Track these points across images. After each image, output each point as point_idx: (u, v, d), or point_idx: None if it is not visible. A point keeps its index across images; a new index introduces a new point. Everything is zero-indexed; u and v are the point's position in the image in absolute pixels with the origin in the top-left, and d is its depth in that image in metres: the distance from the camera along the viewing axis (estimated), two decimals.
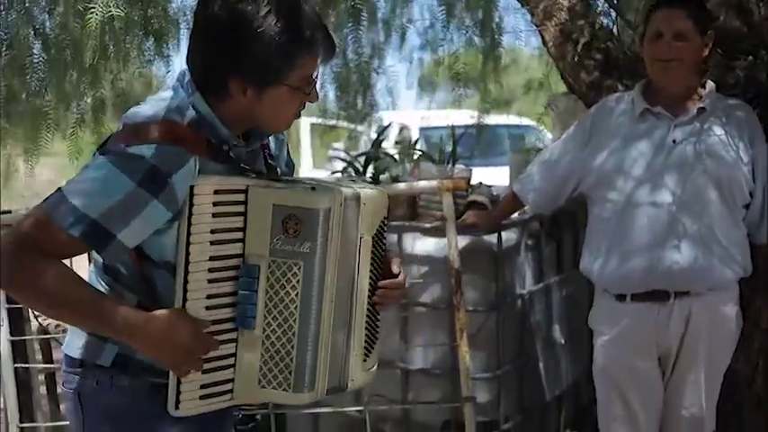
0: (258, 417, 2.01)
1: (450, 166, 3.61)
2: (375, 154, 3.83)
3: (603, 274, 2.93)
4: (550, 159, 3.13)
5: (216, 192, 1.69)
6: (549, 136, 6.66)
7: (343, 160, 4.41)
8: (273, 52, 1.66)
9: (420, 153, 3.91)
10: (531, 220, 3.58)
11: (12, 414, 3.54)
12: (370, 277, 1.93)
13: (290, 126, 1.85)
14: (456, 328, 3.27)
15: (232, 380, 1.75)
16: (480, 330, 3.39)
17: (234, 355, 1.75)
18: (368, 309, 1.94)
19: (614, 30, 3.50)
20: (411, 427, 3.54)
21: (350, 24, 4.29)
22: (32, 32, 4.09)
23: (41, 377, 3.90)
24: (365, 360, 1.97)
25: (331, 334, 1.79)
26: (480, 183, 3.71)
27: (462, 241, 3.33)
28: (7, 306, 3.52)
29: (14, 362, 3.54)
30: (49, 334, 3.74)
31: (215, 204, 1.69)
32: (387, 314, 3.31)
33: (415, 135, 7.47)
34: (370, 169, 3.74)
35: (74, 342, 1.84)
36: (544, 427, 3.77)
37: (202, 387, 1.72)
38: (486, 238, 3.41)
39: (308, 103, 1.79)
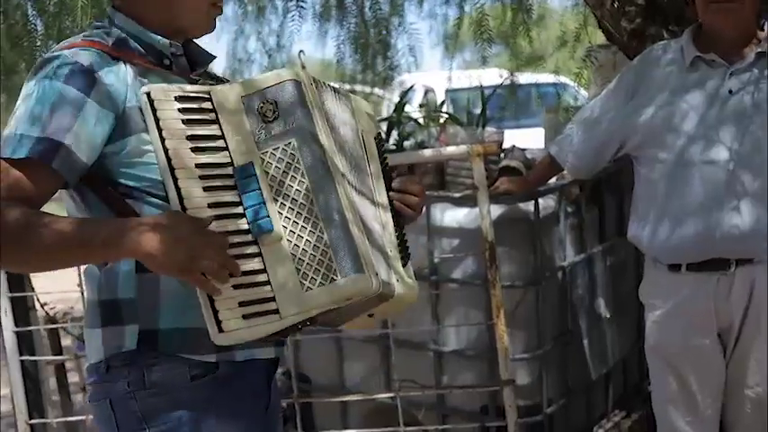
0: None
1: (479, 129, 3.31)
2: (398, 118, 3.53)
3: (654, 243, 2.65)
4: (590, 118, 2.84)
5: (178, 99, 1.56)
6: (586, 94, 6.32)
7: None
8: None
9: (447, 116, 3.61)
10: (570, 185, 3.27)
11: (20, 409, 3.32)
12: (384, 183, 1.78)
13: (211, 24, 1.72)
14: (492, 306, 3.00)
15: (273, 298, 1.52)
16: (518, 307, 3.11)
17: (264, 270, 1.52)
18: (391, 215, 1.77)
19: None
20: (446, 412, 3.28)
21: None
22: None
23: (50, 369, 3.68)
24: (404, 265, 1.74)
25: (356, 202, 1.62)
26: (513, 146, 3.41)
27: (496, 211, 3.04)
28: (10, 295, 3.29)
29: (20, 354, 3.32)
30: (57, 323, 3.51)
31: (182, 111, 1.56)
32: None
33: (441, 98, 7.14)
34: (394, 135, 3.46)
35: (92, 344, 1.67)
36: (590, 408, 3.49)
37: (241, 305, 1.50)
38: (522, 206, 3.12)
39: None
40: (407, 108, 4.53)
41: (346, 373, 3.46)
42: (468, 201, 3.10)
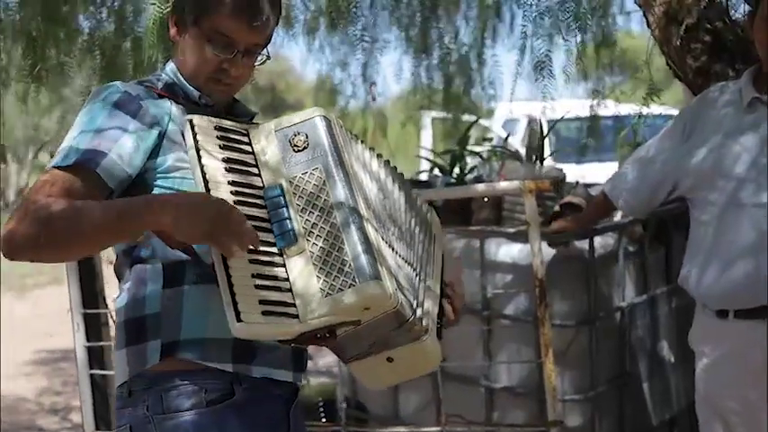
0: None
1: (538, 165, 3.28)
2: (460, 152, 3.53)
3: (701, 287, 2.56)
4: (645, 157, 2.78)
5: (217, 128, 1.69)
6: None
7: (427, 159, 4.15)
8: None
9: (506, 151, 3.58)
10: (631, 224, 3.20)
11: (88, 422, 3.47)
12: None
13: (221, 94, 1.80)
14: (541, 344, 2.96)
15: (294, 304, 1.57)
16: (570, 347, 3.06)
17: (287, 279, 1.59)
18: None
19: (726, 7, 3.07)
20: None
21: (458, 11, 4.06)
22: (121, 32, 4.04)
23: None
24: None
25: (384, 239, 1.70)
26: (577, 182, 3.36)
27: (550, 248, 3.01)
28: (84, 311, 3.46)
29: (90, 368, 3.47)
30: None
31: (220, 138, 1.68)
32: (468, 328, 3.08)
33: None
34: (456, 169, 3.46)
35: (119, 368, 1.74)
36: None
37: (262, 303, 1.54)
38: (578, 244, 3.08)
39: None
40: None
41: (401, 404, 3.47)
42: (523, 236, 3.07)
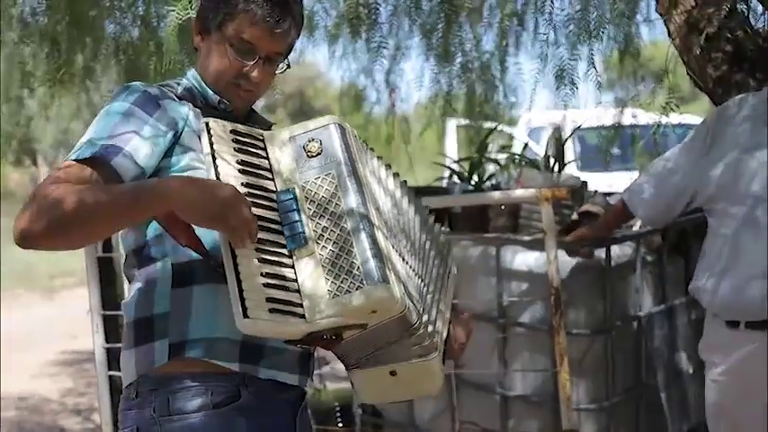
0: None
1: (556, 173, 3.27)
2: (479, 159, 3.53)
3: (714, 298, 2.54)
4: (665, 168, 2.75)
5: (233, 131, 1.70)
6: None
7: (445, 166, 4.14)
8: None
9: (524, 159, 3.57)
10: (650, 234, 3.18)
11: (106, 421, 3.51)
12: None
13: (240, 100, 1.82)
14: (556, 353, 2.95)
15: (301, 304, 1.59)
16: (586, 356, 3.04)
17: (295, 279, 1.61)
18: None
19: (747, 17, 3.04)
20: None
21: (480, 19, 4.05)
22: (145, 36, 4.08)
23: None
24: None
25: (397, 250, 1.72)
26: (596, 191, 3.35)
27: (567, 256, 3.00)
28: (103, 312, 3.50)
29: (109, 369, 3.50)
30: None
31: (235, 141, 1.69)
32: (484, 335, 3.07)
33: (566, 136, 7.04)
34: (475, 177, 3.45)
35: (126, 368, 1.75)
36: None
37: (269, 301, 1.56)
38: (595, 252, 3.05)
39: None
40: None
41: (416, 410, 3.46)
42: (539, 244, 3.06)
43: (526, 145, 4.46)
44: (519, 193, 3.01)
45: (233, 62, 1.76)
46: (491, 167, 3.75)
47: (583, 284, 3.06)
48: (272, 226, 1.63)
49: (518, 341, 3.16)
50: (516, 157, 3.68)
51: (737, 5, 3.05)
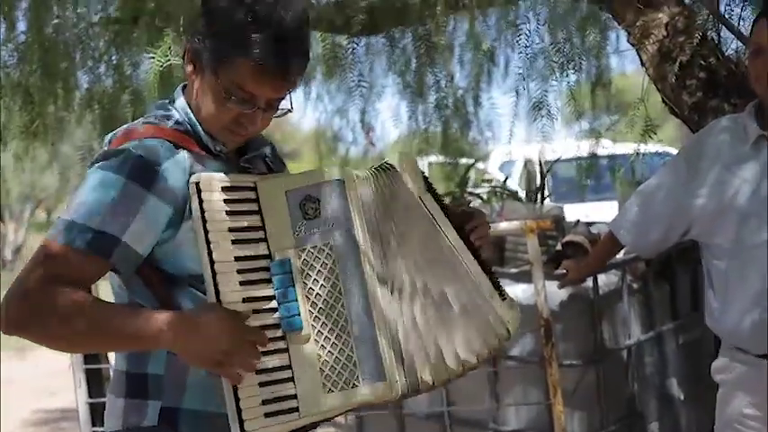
0: None
1: (538, 204, 3.28)
2: (460, 193, 3.54)
3: (725, 329, 2.51)
4: (651, 194, 2.66)
5: (224, 189, 1.58)
6: None
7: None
8: (217, 29, 1.61)
9: (506, 192, 3.59)
10: (634, 261, 3.19)
11: None
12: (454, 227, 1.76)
13: (236, 143, 1.70)
14: (549, 385, 2.94)
15: (295, 396, 1.57)
16: (578, 387, 3.03)
17: (289, 366, 1.57)
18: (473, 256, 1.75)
19: (719, 44, 3.09)
20: None
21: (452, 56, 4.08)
22: (119, 85, 4.07)
23: None
24: (504, 299, 1.78)
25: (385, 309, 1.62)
26: (578, 221, 3.36)
27: (554, 287, 3.00)
28: (85, 366, 3.43)
29: (93, 424, 3.43)
30: None
31: (226, 202, 1.58)
32: (474, 371, 3.04)
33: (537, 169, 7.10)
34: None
35: (113, 414, 1.71)
36: None
37: (264, 403, 1.54)
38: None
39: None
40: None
41: None
42: (526, 277, 3.06)
43: (507, 178, 4.48)
44: (504, 225, 3.01)
45: (229, 110, 1.63)
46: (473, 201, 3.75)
47: (572, 315, 3.05)
48: (266, 305, 1.58)
49: (509, 375, 3.14)
50: (498, 189, 3.69)
51: (708, 33, 3.10)
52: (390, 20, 3.56)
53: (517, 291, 3.13)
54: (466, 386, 2.97)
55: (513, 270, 3.14)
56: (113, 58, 4.07)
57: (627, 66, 4.86)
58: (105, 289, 1.81)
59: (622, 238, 2.77)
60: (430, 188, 1.77)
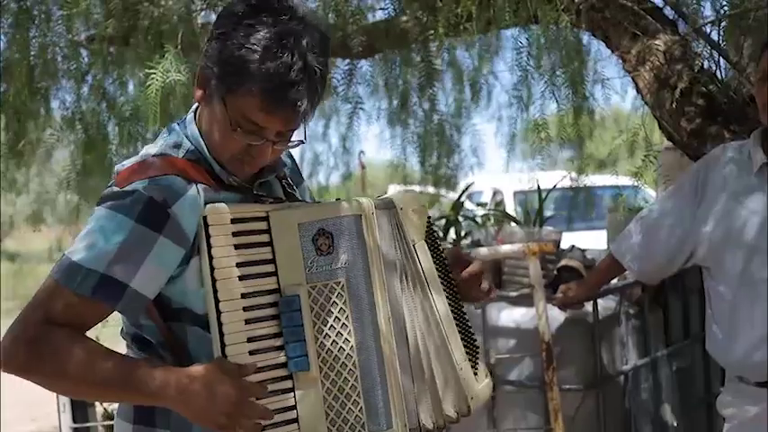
0: None
1: (537, 228, 3.28)
2: (455, 217, 3.53)
3: (730, 362, 2.50)
4: (653, 220, 2.67)
5: (233, 221, 1.52)
6: (653, 194, 6.24)
7: None
8: (226, 57, 1.51)
9: (504, 215, 3.59)
10: (632, 285, 3.19)
11: None
12: (442, 281, 1.73)
13: (245, 175, 1.61)
14: (550, 410, 2.91)
15: None
16: (578, 412, 3.01)
17: (294, 407, 1.52)
18: (454, 316, 1.73)
19: (716, 72, 3.13)
20: None
21: (427, 85, 4.07)
22: (104, 105, 4.02)
23: None
24: (476, 373, 1.73)
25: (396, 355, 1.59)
26: (573, 246, 3.36)
27: (553, 311, 2.99)
28: None
29: None
30: (114, 419, 3.52)
31: (235, 235, 1.51)
32: None
33: (509, 200, 7.13)
34: (452, 234, 3.45)
35: None
36: None
37: None
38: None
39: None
40: (472, 207, 4.59)
41: None
42: (525, 300, 3.05)
43: (501, 201, 4.49)
44: (506, 248, 3.00)
45: (238, 141, 1.55)
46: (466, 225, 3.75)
47: (571, 339, 3.05)
48: (273, 343, 1.53)
49: (507, 400, 3.12)
50: (493, 213, 3.69)
51: (705, 63, 3.14)
52: (388, 42, 3.55)
53: (515, 314, 3.12)
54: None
55: (513, 293, 3.12)
56: (98, 76, 4.01)
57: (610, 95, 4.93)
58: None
59: (628, 264, 2.74)
60: (430, 235, 1.75)
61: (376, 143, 4.81)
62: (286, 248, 1.53)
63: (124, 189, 1.51)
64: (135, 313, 1.56)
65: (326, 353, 1.53)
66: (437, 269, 1.74)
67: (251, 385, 1.49)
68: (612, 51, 3.41)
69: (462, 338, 1.75)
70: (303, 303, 1.52)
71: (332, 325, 1.53)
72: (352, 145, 4.75)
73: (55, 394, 3.33)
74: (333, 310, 1.53)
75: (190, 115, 1.65)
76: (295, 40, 1.50)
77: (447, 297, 1.74)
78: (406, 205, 1.71)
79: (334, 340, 1.53)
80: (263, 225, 1.54)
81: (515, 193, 7.78)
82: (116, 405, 3.04)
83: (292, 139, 1.59)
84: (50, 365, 1.48)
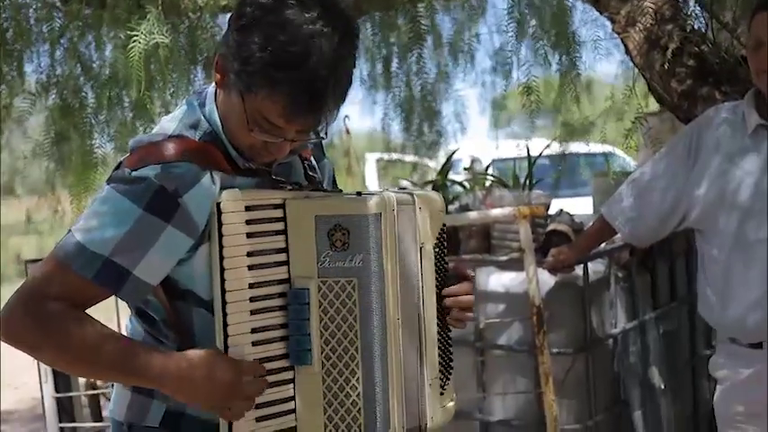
0: None
1: (526, 191, 3.25)
2: (442, 182, 3.49)
3: (724, 324, 2.49)
4: (645, 182, 2.65)
5: (248, 208, 1.48)
6: (633, 162, 6.25)
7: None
8: (246, 56, 1.43)
9: (492, 179, 3.56)
10: (620, 249, 3.17)
11: None
12: (437, 294, 1.68)
13: (260, 158, 1.55)
14: (540, 373, 2.90)
15: (294, 428, 1.51)
16: (568, 375, 3.00)
17: (293, 398, 1.51)
18: (438, 331, 1.68)
19: (708, 32, 3.10)
20: None
21: (413, 47, 3.99)
22: (80, 69, 3.91)
23: None
24: (441, 393, 1.69)
25: (402, 361, 1.55)
26: (561, 210, 3.34)
27: (543, 274, 2.96)
28: None
29: (60, 420, 3.29)
30: (97, 389, 3.47)
31: (249, 223, 1.48)
32: (461, 359, 2.99)
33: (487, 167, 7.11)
34: None
35: (118, 403, 1.65)
36: None
37: None
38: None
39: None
40: (453, 173, 4.55)
41: None
42: (515, 265, 3.03)
43: (488, 166, 4.45)
44: (497, 211, 2.96)
45: (255, 137, 1.50)
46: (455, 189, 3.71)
47: (561, 303, 3.03)
48: (276, 334, 1.51)
49: (497, 364, 3.10)
50: (483, 176, 3.65)
51: (696, 21, 3.11)
52: (375, 4, 3.47)
53: (504, 279, 3.10)
54: (452, 376, 2.92)
55: (502, 258, 3.09)
56: (74, 39, 3.90)
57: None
58: None
59: (620, 227, 2.72)
60: (440, 243, 1.69)
61: (356, 110, 4.72)
62: (300, 239, 1.50)
63: (136, 176, 1.47)
64: (136, 299, 1.54)
65: (330, 350, 1.50)
66: (436, 279, 1.69)
67: (248, 367, 1.48)
68: (601, 13, 3.37)
69: (440, 355, 1.69)
70: (312, 297, 1.50)
71: (339, 323, 1.50)
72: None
73: (36, 364, 3.28)
74: (341, 308, 1.50)
75: (210, 89, 1.59)
76: (322, 42, 1.42)
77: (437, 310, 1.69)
78: (425, 206, 1.64)
79: (339, 338, 1.50)
80: (278, 213, 1.51)
81: (493, 161, 7.76)
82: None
83: (311, 135, 1.53)
84: (53, 341, 1.46)
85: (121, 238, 1.45)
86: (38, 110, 4.22)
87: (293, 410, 1.51)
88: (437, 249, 1.68)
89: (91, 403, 3.63)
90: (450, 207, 3.41)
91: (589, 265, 3.06)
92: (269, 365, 1.50)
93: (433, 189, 3.50)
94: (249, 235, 1.48)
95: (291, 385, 1.51)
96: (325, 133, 1.54)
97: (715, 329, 2.73)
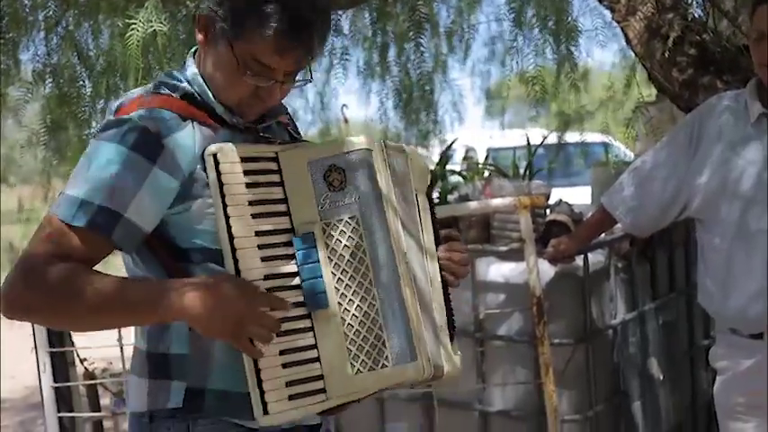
0: None
1: (526, 181, 3.23)
2: (441, 172, 3.48)
3: (725, 315, 2.49)
4: (646, 171, 2.64)
5: (243, 160, 1.50)
6: (632, 154, 6.23)
7: None
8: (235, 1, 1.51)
9: (492, 169, 3.54)
10: (620, 239, 3.16)
11: None
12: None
13: (251, 113, 1.59)
14: (540, 364, 2.89)
15: (321, 376, 1.49)
16: (568, 366, 2.99)
17: (315, 345, 1.49)
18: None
19: (709, 21, 3.09)
20: None
21: (411, 36, 3.97)
22: (77, 57, 3.88)
23: (88, 426, 3.61)
24: (451, 340, 1.70)
25: (416, 293, 1.55)
26: (560, 200, 3.32)
27: (543, 265, 2.95)
28: (50, 350, 3.26)
29: (59, 410, 3.27)
30: (96, 379, 3.46)
31: (246, 174, 1.50)
32: (461, 350, 2.97)
33: (482, 157, 7.09)
34: (437, 189, 3.40)
35: (136, 395, 1.62)
36: None
37: (289, 385, 1.46)
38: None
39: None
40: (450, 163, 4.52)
41: None
42: (515, 255, 3.02)
43: (487, 156, 4.44)
44: (497, 201, 2.95)
45: (245, 83, 1.54)
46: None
47: (561, 293, 3.02)
48: (289, 282, 1.49)
49: (496, 354, 3.10)
50: (482, 166, 3.63)
51: (697, 9, 3.10)
52: None
53: (504, 269, 3.09)
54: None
55: (502, 248, 3.08)
56: (70, 27, 3.87)
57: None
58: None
59: (620, 217, 2.72)
60: (429, 192, 1.75)
61: (353, 99, 4.71)
62: (297, 187, 1.52)
63: (118, 118, 1.50)
64: (131, 245, 1.52)
65: (345, 288, 1.50)
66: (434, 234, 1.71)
67: (263, 294, 1.47)
68: (600, 1, 3.35)
69: (445, 300, 1.71)
70: (318, 240, 1.50)
71: (348, 260, 1.50)
72: (330, 100, 4.66)
73: (35, 354, 3.27)
74: (349, 244, 1.50)
75: (189, 59, 1.62)
76: None
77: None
78: (415, 158, 1.70)
79: (351, 275, 1.50)
80: (272, 165, 1.53)
81: (488, 150, 7.76)
82: (97, 365, 2.97)
83: (297, 79, 1.58)
84: (54, 297, 1.44)
85: (110, 181, 1.46)
86: (34, 99, 4.19)
87: (317, 358, 1.48)
88: (431, 205, 1.71)
89: (89, 393, 3.62)
90: (450, 197, 3.40)
91: (589, 255, 3.05)
92: (286, 314, 1.48)
93: (431, 179, 3.48)
94: (248, 185, 1.49)
95: (312, 333, 1.49)
96: (311, 77, 1.60)
97: (714, 320, 2.73)
